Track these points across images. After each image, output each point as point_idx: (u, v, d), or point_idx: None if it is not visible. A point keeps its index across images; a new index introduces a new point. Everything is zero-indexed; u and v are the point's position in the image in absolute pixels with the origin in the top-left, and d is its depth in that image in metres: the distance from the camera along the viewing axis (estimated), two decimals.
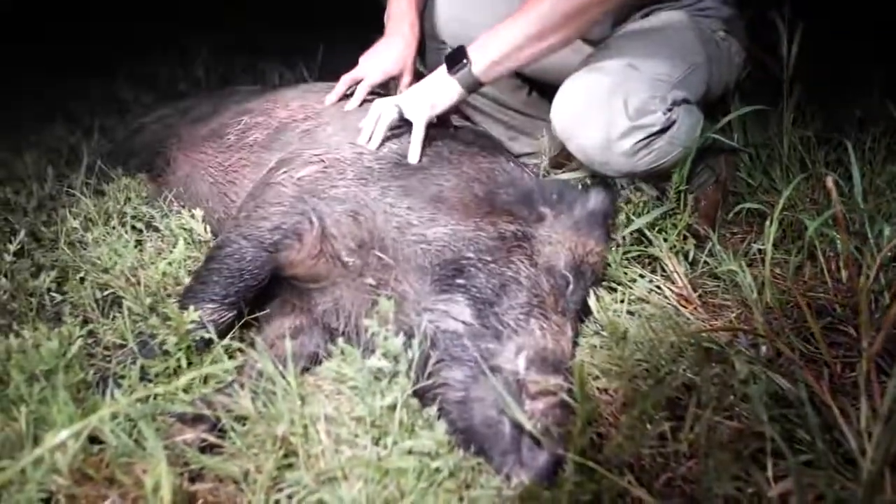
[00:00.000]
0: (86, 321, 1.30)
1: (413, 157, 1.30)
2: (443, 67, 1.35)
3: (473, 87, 1.35)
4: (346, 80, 1.55)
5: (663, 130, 1.41)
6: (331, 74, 2.66)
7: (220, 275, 1.25)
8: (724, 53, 1.61)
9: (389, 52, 1.56)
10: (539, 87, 1.82)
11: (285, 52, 3.12)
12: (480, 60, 1.31)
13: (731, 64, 1.66)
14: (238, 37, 3.70)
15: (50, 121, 2.84)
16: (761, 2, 1.83)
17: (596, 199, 1.34)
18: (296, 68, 2.55)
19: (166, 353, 1.12)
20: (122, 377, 1.09)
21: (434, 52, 1.66)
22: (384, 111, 1.33)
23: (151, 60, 3.33)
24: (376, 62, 1.55)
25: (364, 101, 1.54)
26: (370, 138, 1.33)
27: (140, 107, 2.78)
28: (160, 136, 2.02)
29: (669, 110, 1.40)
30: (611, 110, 1.34)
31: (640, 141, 1.38)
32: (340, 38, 3.12)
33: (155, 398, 1.06)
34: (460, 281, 1.12)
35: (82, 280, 1.38)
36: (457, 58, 1.33)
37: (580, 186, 1.49)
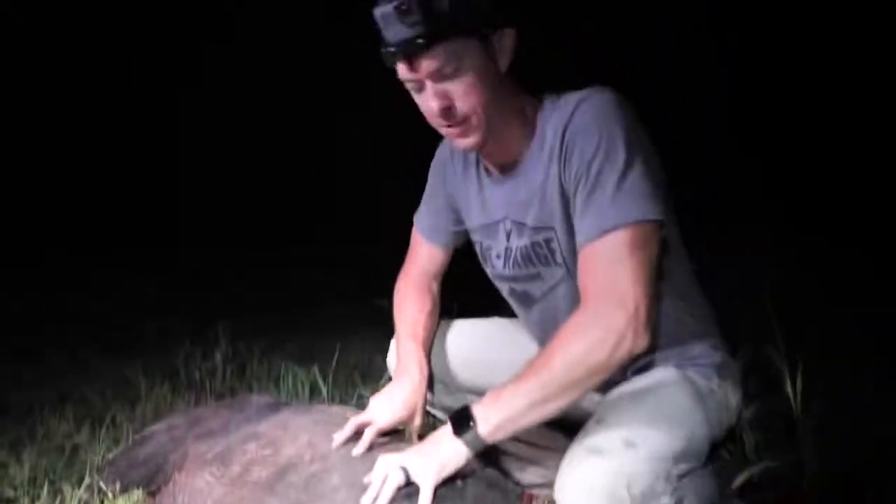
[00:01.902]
0: None
1: None
2: (448, 428, 1.36)
3: (480, 448, 1.35)
4: (354, 423, 1.57)
5: None
6: (344, 373, 2.78)
7: None
8: (721, 403, 1.62)
9: (399, 396, 1.61)
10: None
11: (301, 346, 3.30)
12: (485, 424, 1.33)
13: (729, 409, 1.65)
14: (257, 325, 3.94)
15: (63, 407, 2.87)
16: (756, 339, 1.89)
17: None
18: (310, 370, 2.65)
19: None
20: None
21: (442, 392, 1.72)
22: (391, 473, 1.31)
23: (172, 342, 3.51)
24: (386, 406, 1.60)
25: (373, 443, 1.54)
26: (375, 501, 1.30)
27: (153, 400, 2.83)
28: (166, 448, 1.99)
29: (676, 488, 1.37)
30: (615, 501, 1.31)
31: None
32: (357, 340, 3.32)
33: None
34: None
35: None
36: (462, 419, 1.35)
37: None
